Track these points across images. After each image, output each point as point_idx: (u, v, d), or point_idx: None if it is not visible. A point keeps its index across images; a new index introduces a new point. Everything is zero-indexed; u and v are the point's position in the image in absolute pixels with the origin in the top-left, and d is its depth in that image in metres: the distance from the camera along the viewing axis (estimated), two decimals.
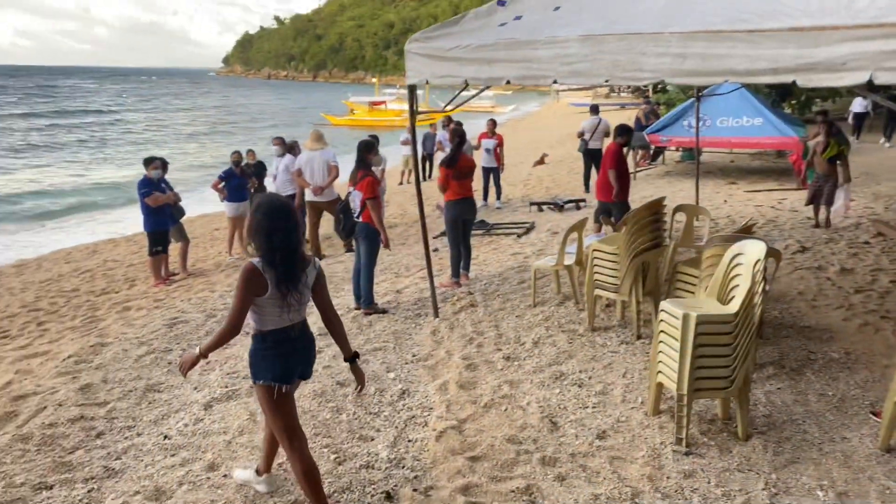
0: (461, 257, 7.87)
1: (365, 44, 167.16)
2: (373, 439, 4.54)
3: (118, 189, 21.22)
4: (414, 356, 5.88)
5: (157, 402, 5.20)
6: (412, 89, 6.38)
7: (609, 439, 4.33)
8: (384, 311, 6.98)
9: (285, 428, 3.44)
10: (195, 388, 5.39)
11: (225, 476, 4.11)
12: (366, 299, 6.99)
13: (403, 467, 4.18)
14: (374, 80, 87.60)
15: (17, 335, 7.54)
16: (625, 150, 9.09)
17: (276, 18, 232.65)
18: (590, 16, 5.39)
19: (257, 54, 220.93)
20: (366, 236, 6.92)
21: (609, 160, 8.27)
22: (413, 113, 6.42)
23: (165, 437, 4.63)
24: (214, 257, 11.46)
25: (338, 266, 9.47)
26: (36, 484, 4.06)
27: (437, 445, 4.38)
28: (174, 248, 10.20)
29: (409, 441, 4.50)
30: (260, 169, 12.27)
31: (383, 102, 50.28)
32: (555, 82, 5.31)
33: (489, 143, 13.50)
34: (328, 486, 3.95)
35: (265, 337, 3.37)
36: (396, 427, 4.68)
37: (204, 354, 3.38)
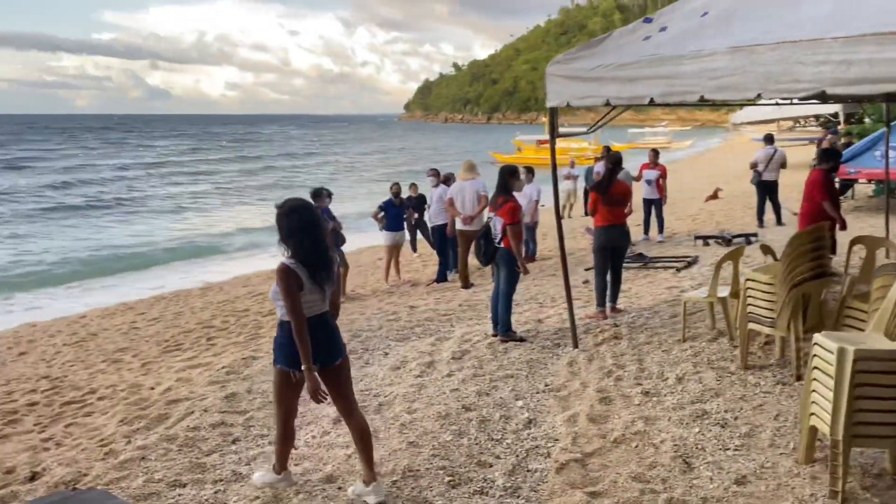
0: (606, 287, 7.52)
1: (538, 85, 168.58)
2: (491, 466, 4.37)
3: None
4: (546, 386, 5.65)
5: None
6: (553, 112, 6.25)
7: (749, 486, 3.84)
8: (521, 340, 6.81)
9: (285, 409, 3.94)
10: (329, 403, 5.53)
11: (339, 489, 4.13)
12: (503, 326, 6.87)
13: (518, 497, 3.97)
14: (543, 119, 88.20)
15: (188, 348, 8.23)
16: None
17: (455, 65, 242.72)
18: (740, 25, 5.00)
19: (436, 100, 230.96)
20: (506, 262, 6.83)
21: (818, 190, 7.29)
22: (553, 135, 6.29)
23: (293, 447, 4.76)
24: (373, 284, 11.88)
25: (483, 294, 9.44)
26: (172, 481, 4.32)
27: (556, 478, 4.13)
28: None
29: (529, 471, 4.28)
30: (420, 202, 12.66)
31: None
32: (701, 99, 4.96)
33: (651, 174, 12.97)
34: None
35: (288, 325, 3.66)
36: (517, 455, 4.48)
37: (309, 367, 3.64)
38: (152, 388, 6.51)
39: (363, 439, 3.98)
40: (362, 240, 17.23)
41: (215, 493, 4.18)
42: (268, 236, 21.44)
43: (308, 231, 3.68)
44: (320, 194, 9.94)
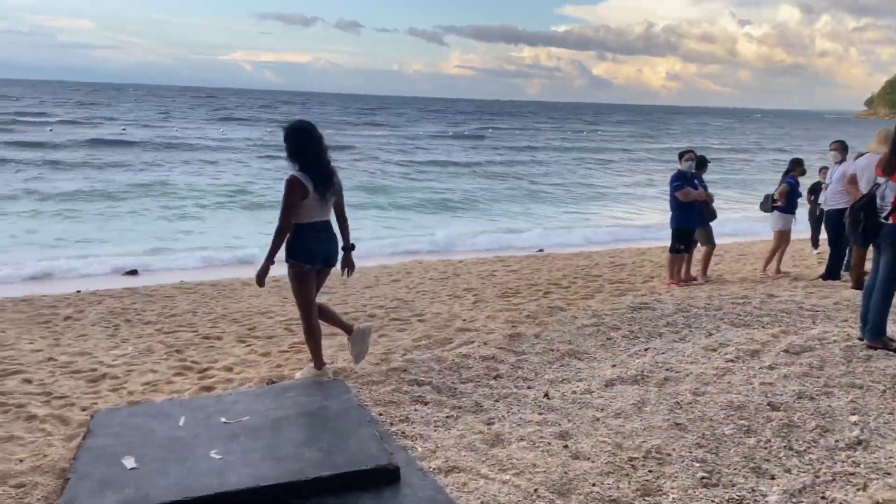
0: None
1: None
2: (772, 477, 3.28)
3: None
4: None
5: (568, 367, 4.87)
6: None
7: None
8: None
9: (304, 301, 4.40)
10: (613, 365, 4.87)
11: (566, 447, 3.53)
12: (873, 328, 5.21)
13: None
14: None
15: (520, 295, 8.20)
16: None
17: None
18: None
19: None
20: (893, 243, 5.15)
21: None
22: None
23: (547, 396, 4.28)
24: (744, 271, 10.40)
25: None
26: (416, 396, 4.22)
27: None
28: (699, 250, 9.62)
29: (823, 498, 3.09)
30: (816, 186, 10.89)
31: None
32: None
33: None
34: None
35: (302, 227, 4.23)
36: (816, 476, 3.28)
37: (269, 262, 4.20)
38: (464, 320, 6.60)
39: (331, 317, 4.68)
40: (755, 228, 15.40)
41: (446, 417, 3.95)
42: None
43: (311, 148, 4.20)
44: (685, 154, 9.02)
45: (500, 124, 74.27)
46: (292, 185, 4.13)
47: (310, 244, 4.25)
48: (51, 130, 41.17)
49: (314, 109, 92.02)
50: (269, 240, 4.25)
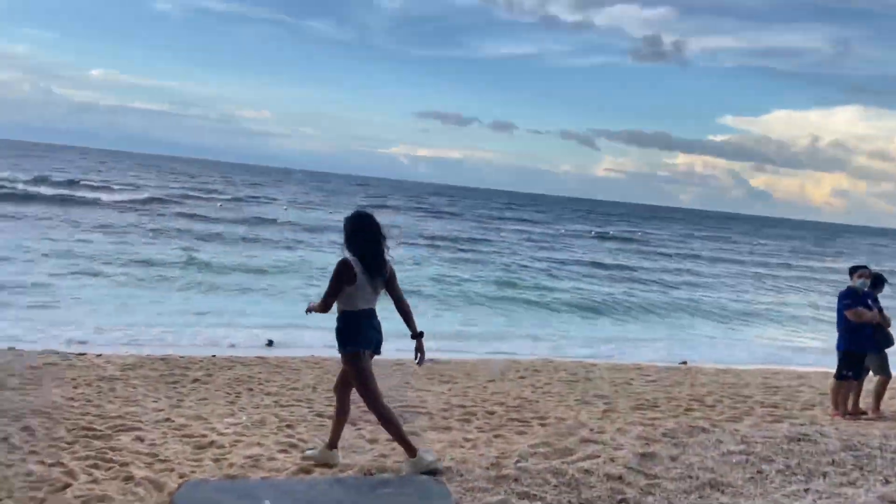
0: None
1: None
2: None
3: None
4: None
5: (708, 500, 4.14)
6: None
7: None
8: None
9: (369, 387, 4.46)
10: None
11: None
12: None
13: None
14: None
15: (658, 409, 7.42)
16: None
17: None
18: None
19: None
20: None
21: None
22: None
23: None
24: None
25: None
26: None
27: None
28: (870, 380, 8.40)
29: None
30: None
31: None
32: None
33: None
34: None
35: (352, 314, 4.33)
36: None
37: (310, 308, 4.55)
38: (591, 430, 5.98)
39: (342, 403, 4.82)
40: None
41: None
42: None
43: (366, 235, 4.35)
44: (857, 270, 8.04)
45: (649, 228, 72.47)
46: (341, 268, 4.33)
47: (365, 331, 4.42)
48: (220, 206, 44.79)
49: (462, 202, 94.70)
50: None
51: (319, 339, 12.88)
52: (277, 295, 17.70)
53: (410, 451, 4.34)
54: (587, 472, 4.35)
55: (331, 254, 26.69)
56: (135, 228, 28.08)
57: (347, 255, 4.36)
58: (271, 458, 4.94)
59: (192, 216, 35.35)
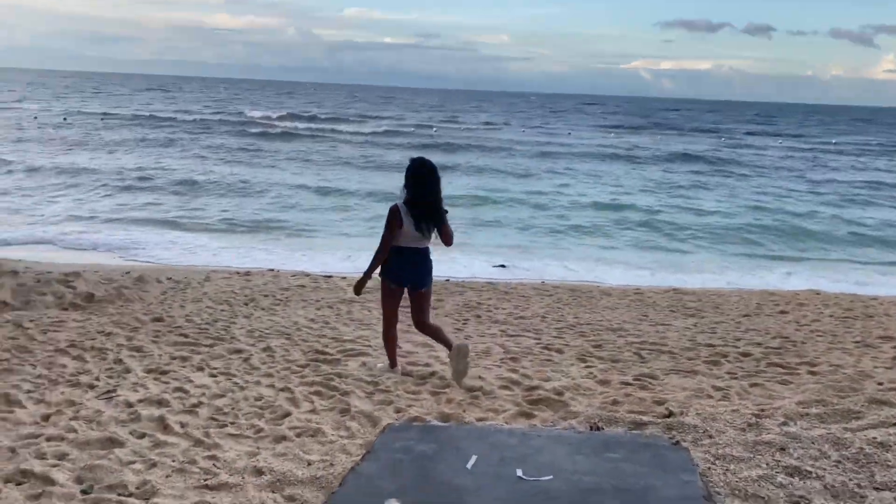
0: None
1: None
2: None
3: None
4: None
5: None
6: None
7: None
8: None
9: (386, 314, 4.99)
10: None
11: None
12: None
13: None
14: None
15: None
16: None
17: None
18: None
19: None
20: None
21: None
22: None
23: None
24: None
25: None
26: (778, 481, 2.90)
27: None
28: None
29: None
30: None
31: None
32: None
33: None
34: None
35: (398, 250, 4.74)
36: None
37: (368, 274, 4.86)
38: (880, 384, 4.82)
39: (436, 335, 5.08)
40: None
41: None
42: None
43: (418, 183, 4.63)
44: None
45: None
46: (390, 215, 4.71)
47: (401, 267, 4.79)
48: (434, 131, 45.58)
49: (705, 117, 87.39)
50: None
51: (552, 267, 12.50)
52: (510, 224, 17.45)
53: (393, 362, 5.14)
54: (883, 445, 3.36)
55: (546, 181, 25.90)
56: (382, 159, 29.55)
57: (400, 200, 4.72)
58: (490, 394, 4.58)
59: (444, 146, 36.09)
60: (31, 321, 6.59)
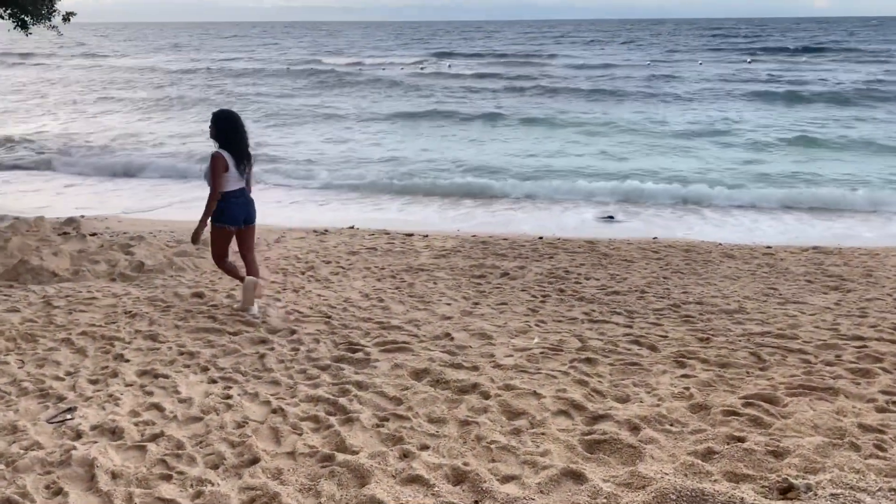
0: None
1: None
2: None
3: None
4: None
5: None
6: None
7: None
8: None
9: (217, 253, 5.53)
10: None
11: None
12: None
13: None
14: None
15: None
16: None
17: None
18: None
19: None
20: None
21: None
22: None
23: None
24: None
25: None
26: None
27: None
28: None
29: None
30: None
31: None
32: None
33: None
34: None
35: (225, 196, 5.26)
36: None
37: (203, 223, 5.35)
38: None
39: (235, 271, 5.67)
40: None
41: None
42: None
43: (231, 131, 5.28)
44: None
45: None
46: (216, 160, 5.20)
47: (233, 208, 5.34)
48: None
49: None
50: None
51: (670, 218, 10.91)
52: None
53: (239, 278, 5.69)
54: None
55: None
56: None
57: (216, 148, 5.27)
58: (537, 427, 3.42)
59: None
60: (66, 297, 6.09)
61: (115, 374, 4.18)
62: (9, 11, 12.74)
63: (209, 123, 5.36)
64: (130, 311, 5.62)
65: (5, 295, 6.20)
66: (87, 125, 21.98)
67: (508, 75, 36.66)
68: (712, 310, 5.66)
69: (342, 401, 3.74)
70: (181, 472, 2.95)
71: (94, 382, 4.08)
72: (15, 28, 13.02)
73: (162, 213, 11.42)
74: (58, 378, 4.14)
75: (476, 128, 21.01)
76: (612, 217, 11.12)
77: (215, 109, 5.55)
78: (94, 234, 8.97)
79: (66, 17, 12.87)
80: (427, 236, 9.35)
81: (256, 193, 5.76)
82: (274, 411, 3.63)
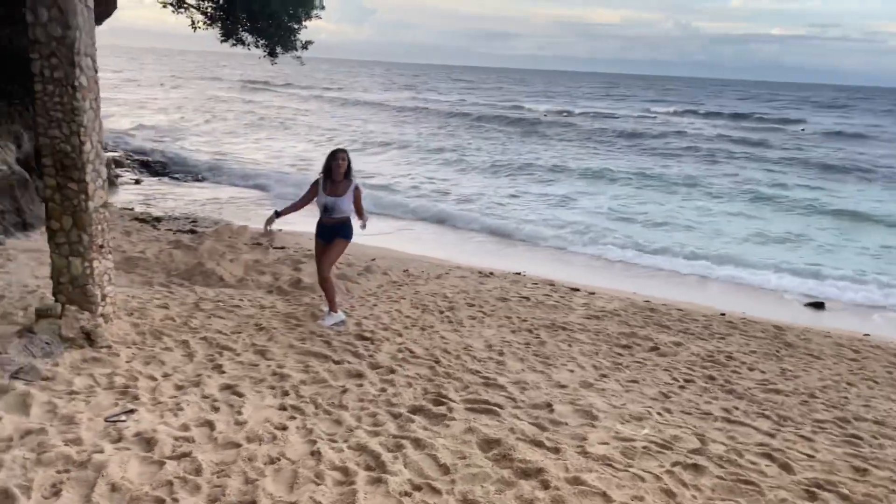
0: None
1: None
2: None
3: None
4: None
5: None
6: None
7: None
8: None
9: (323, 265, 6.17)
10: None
11: None
12: None
13: None
14: None
15: None
16: None
17: None
18: None
19: None
20: None
21: None
22: None
23: None
24: None
25: None
26: None
27: None
28: None
29: None
30: None
31: None
32: None
33: None
34: None
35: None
36: None
37: (278, 213, 5.99)
38: None
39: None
40: None
41: None
42: None
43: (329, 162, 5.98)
44: None
45: None
46: (313, 184, 6.14)
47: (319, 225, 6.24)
48: (802, 130, 38.53)
49: None
50: None
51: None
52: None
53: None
54: None
55: None
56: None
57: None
58: None
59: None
60: (217, 301, 6.47)
61: (198, 384, 4.26)
62: (263, 42, 14.28)
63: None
64: (260, 324, 5.80)
65: (170, 291, 6.74)
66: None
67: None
68: (893, 434, 4.51)
69: (386, 457, 3.43)
70: (176, 500, 2.83)
71: (178, 388, 4.18)
72: (265, 56, 14.54)
73: (380, 240, 11.37)
74: (151, 378, 4.31)
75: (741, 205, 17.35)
76: (822, 304, 9.60)
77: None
78: (281, 248, 9.56)
79: (305, 45, 14.15)
80: (594, 294, 8.74)
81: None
82: (312, 453, 3.42)
